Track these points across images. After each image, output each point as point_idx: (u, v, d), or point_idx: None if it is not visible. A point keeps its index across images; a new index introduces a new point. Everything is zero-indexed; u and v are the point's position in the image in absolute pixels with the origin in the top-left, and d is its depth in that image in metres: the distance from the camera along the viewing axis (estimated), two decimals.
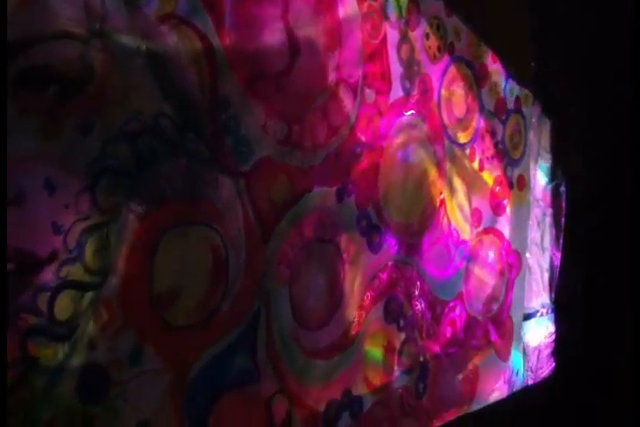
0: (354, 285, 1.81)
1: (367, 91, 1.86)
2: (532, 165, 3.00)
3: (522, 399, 2.73)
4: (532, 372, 2.86)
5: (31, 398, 1.07)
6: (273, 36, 1.53)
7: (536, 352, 2.93)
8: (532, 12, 3.00)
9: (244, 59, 1.46)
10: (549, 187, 3.22)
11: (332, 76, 1.71)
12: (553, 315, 3.11)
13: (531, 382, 2.82)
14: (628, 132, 3.13)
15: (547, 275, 3.10)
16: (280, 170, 1.56)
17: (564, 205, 3.25)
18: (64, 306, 1.11)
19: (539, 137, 3.11)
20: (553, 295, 3.13)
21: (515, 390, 2.67)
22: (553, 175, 3.25)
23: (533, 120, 3.02)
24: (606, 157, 3.25)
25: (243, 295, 1.45)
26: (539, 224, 3.05)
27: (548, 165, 3.21)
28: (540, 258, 3.06)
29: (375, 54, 1.89)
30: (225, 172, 1.43)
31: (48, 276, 1.09)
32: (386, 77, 1.95)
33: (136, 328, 1.23)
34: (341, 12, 1.74)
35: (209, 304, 1.38)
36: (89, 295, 1.16)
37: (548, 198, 3.22)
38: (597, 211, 3.21)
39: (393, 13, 1.98)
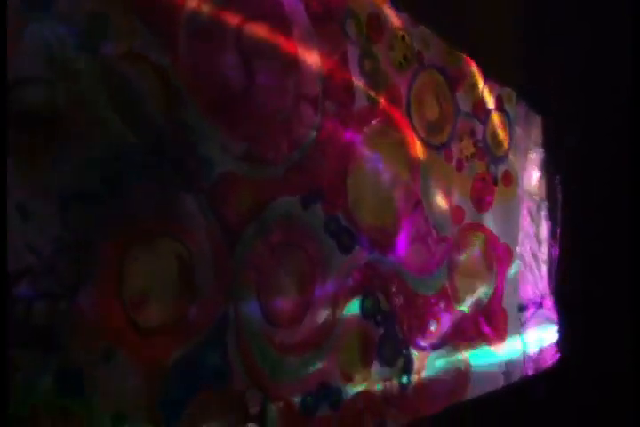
0: (325, 285, 1.99)
1: (328, 103, 2.05)
2: (521, 160, 3.14)
3: (524, 390, 2.86)
4: (533, 362, 2.99)
5: (13, 396, 1.28)
6: (227, 64, 1.73)
7: (537, 343, 3.06)
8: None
9: (199, 87, 1.65)
10: (543, 180, 3.35)
11: (290, 94, 1.90)
12: (554, 306, 3.23)
13: (531, 372, 2.95)
14: (625, 125, 3.24)
15: (545, 267, 3.22)
16: (242, 183, 1.75)
17: (559, 197, 3.37)
18: (39, 313, 1.32)
19: (528, 132, 3.25)
20: (553, 286, 3.25)
21: (513, 380, 2.81)
22: (547, 168, 3.37)
23: (520, 116, 3.16)
24: (603, 148, 3.36)
25: (211, 299, 1.65)
26: (532, 217, 3.18)
27: (540, 158, 3.34)
28: (537, 250, 3.19)
29: (335, 70, 2.07)
30: (187, 189, 1.63)
31: (23, 288, 1.30)
32: (348, 90, 2.13)
33: (108, 331, 1.43)
34: (297, 34, 1.93)
35: (178, 308, 1.58)
36: (62, 304, 1.37)
37: (543, 191, 3.35)
38: (594, 203, 3.33)
39: (352, 31, 2.16)
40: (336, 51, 2.08)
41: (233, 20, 1.73)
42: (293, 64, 1.91)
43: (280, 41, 1.86)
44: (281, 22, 1.86)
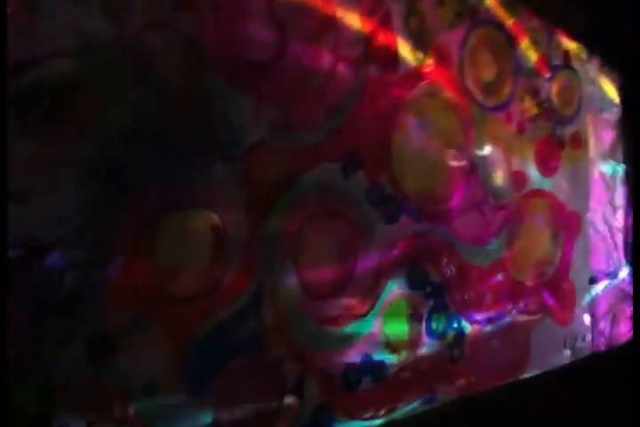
0: (368, 256, 1.98)
1: (372, 67, 2.01)
2: (593, 121, 3.00)
3: (595, 364, 2.78)
4: (604, 337, 2.90)
5: (45, 365, 1.34)
6: (257, 28, 1.71)
7: (609, 317, 2.95)
8: None
9: (227, 53, 1.65)
10: (621, 142, 3.20)
11: (327, 58, 1.87)
12: (630, 278, 3.11)
13: (603, 347, 2.86)
14: None
15: (620, 236, 3.10)
16: (276, 152, 1.75)
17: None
18: (70, 283, 1.37)
19: (603, 90, 3.09)
20: (629, 257, 3.12)
21: (582, 355, 2.73)
22: (625, 129, 3.21)
23: (593, 73, 3.01)
24: None
25: (244, 269, 1.67)
26: (606, 183, 3.05)
27: (617, 118, 3.18)
28: (611, 218, 3.06)
29: (377, 31, 2.03)
30: (220, 158, 1.64)
31: (56, 258, 1.36)
32: (393, 51, 2.08)
33: (139, 301, 1.48)
34: None
35: (211, 277, 1.60)
36: (95, 273, 1.42)
37: (620, 154, 3.20)
38: None
39: None
40: (378, 9, 2.02)
41: None
42: (330, 25, 1.87)
43: (315, 1, 1.82)
44: None
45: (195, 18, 1.59)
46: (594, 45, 3.02)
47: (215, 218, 1.62)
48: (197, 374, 1.57)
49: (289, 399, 1.77)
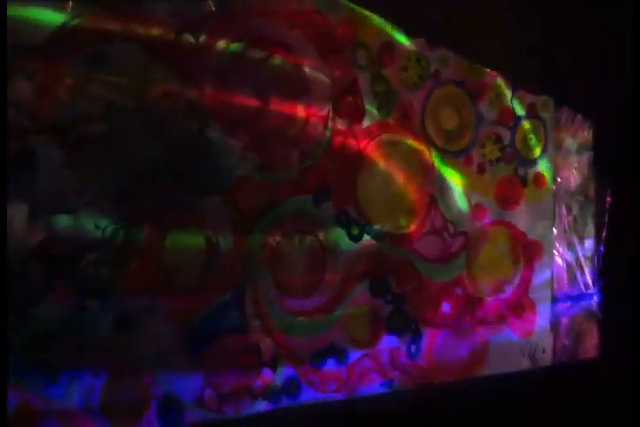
0: (335, 266, 2.81)
1: (339, 120, 2.88)
2: (563, 163, 3.79)
3: (555, 376, 3.51)
4: (567, 352, 3.63)
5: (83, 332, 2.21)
6: (246, 95, 2.61)
7: (572, 334, 3.69)
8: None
9: (221, 112, 2.54)
10: (592, 181, 3.97)
11: (300, 115, 2.75)
12: (598, 299, 3.84)
13: (565, 360, 3.59)
14: None
15: (589, 263, 3.84)
16: (257, 185, 2.61)
17: (608, 197, 3.97)
18: (102, 275, 2.25)
19: (574, 136, 3.89)
20: (596, 281, 3.86)
21: (541, 366, 3.47)
22: (596, 170, 3.99)
23: (565, 121, 3.82)
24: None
25: (231, 271, 2.53)
26: (575, 217, 3.82)
27: (589, 161, 3.96)
28: (579, 247, 3.82)
29: (345, 92, 2.90)
30: (214, 190, 2.53)
31: (92, 254, 2.24)
32: (359, 108, 2.95)
33: (151, 290, 2.35)
34: (306, 67, 2.78)
35: (205, 277, 2.47)
36: (118, 268, 2.29)
37: (592, 192, 3.97)
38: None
39: (363, 59, 2.98)
40: (346, 77, 2.90)
41: (249, 60, 2.60)
42: (303, 91, 2.75)
43: (291, 74, 2.71)
44: (291, 59, 2.71)
45: (196, 87, 2.48)
46: (562, 95, 3.83)
47: (208, 235, 2.49)
48: (194, 348, 2.42)
49: (265, 371, 2.60)
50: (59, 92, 2.17)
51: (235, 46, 2.55)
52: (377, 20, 2.99)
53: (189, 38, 2.46)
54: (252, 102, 2.60)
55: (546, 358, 3.56)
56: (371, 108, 2.97)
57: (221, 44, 2.52)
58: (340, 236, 2.83)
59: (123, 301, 2.26)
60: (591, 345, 3.81)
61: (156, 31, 2.36)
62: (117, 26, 2.26)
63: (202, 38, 2.47)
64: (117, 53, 2.26)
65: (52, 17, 2.12)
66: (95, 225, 2.22)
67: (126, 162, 2.29)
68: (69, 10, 2.19)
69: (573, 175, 3.85)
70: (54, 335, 2.07)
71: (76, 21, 2.18)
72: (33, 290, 2.05)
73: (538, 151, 3.65)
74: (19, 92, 2.09)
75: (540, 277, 3.56)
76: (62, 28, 2.15)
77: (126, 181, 2.29)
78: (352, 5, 2.89)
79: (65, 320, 2.11)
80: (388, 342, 2.93)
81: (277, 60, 2.67)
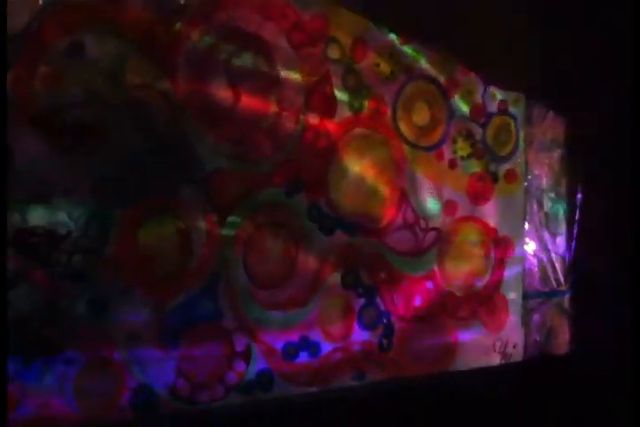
0: (307, 258, 2.86)
1: (311, 114, 2.93)
2: (535, 159, 3.87)
3: (526, 370, 3.59)
4: (538, 347, 3.71)
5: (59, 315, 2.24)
6: (217, 85, 2.65)
7: (544, 330, 3.77)
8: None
9: (196, 104, 2.59)
10: (563, 178, 4.06)
11: (272, 108, 2.80)
12: (567, 296, 3.93)
13: (535, 355, 3.67)
14: None
15: (559, 258, 3.93)
16: (231, 176, 2.65)
17: (579, 194, 4.07)
18: (78, 261, 2.28)
19: (546, 132, 3.98)
20: (568, 278, 3.95)
21: (511, 360, 3.54)
22: (567, 167, 4.08)
23: (537, 117, 3.91)
24: (624, 146, 4.03)
25: (204, 261, 2.56)
26: (546, 213, 3.90)
27: (560, 157, 4.06)
28: (550, 244, 3.90)
29: (317, 87, 2.96)
30: (188, 180, 2.56)
31: (67, 245, 2.27)
32: (331, 102, 3.01)
33: (128, 276, 2.38)
34: (278, 60, 2.83)
35: (179, 264, 2.50)
36: (93, 256, 2.32)
37: (563, 190, 4.06)
38: (615, 201, 3.99)
39: (335, 54, 3.04)
40: (317, 71, 2.95)
41: (222, 52, 2.65)
42: (275, 84, 2.80)
43: (262, 66, 2.76)
44: (264, 52, 2.76)
45: (172, 79, 2.53)
46: (535, 93, 3.92)
47: (182, 223, 2.53)
48: (169, 333, 2.46)
49: (238, 362, 2.64)
50: (36, 82, 2.20)
51: (208, 38, 2.59)
52: (350, 15, 3.04)
53: (163, 29, 2.49)
54: (226, 94, 2.63)
55: (517, 354, 3.62)
56: (343, 103, 3.01)
57: (195, 35, 2.56)
58: (311, 228, 2.86)
59: (97, 288, 2.28)
60: (563, 341, 3.89)
61: (131, 22, 2.40)
62: (92, 16, 2.29)
63: (175, 29, 2.49)
64: (93, 43, 2.30)
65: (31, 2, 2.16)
66: (69, 215, 2.24)
67: (102, 151, 2.32)
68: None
69: (545, 172, 3.93)
70: (29, 321, 2.10)
71: (51, 11, 2.21)
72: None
73: (509, 148, 3.73)
74: None
75: (511, 272, 3.63)
76: (37, 19, 2.19)
77: (102, 170, 2.31)
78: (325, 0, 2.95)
79: (40, 306, 2.13)
80: (359, 336, 2.98)
81: (250, 52, 2.70)
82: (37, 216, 2.19)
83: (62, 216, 2.27)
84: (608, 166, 4.06)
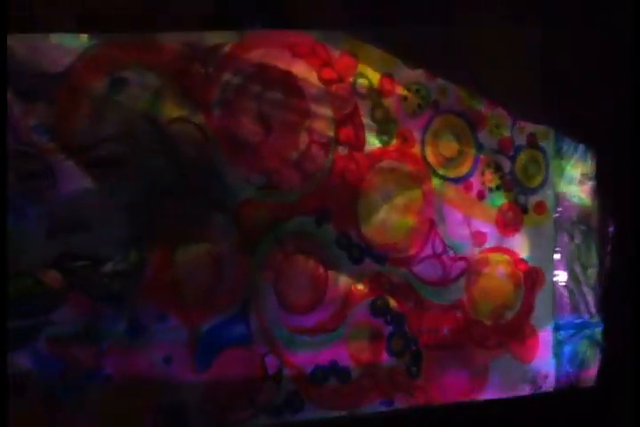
0: (336, 286, 3.01)
1: (340, 147, 3.11)
2: (565, 191, 3.98)
3: (556, 402, 3.65)
4: (569, 379, 3.77)
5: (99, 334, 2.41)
6: (250, 120, 2.86)
7: (576, 362, 3.83)
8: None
9: (228, 136, 2.79)
10: (595, 211, 4.15)
11: (303, 140, 2.99)
12: (601, 328, 3.99)
13: (567, 386, 3.73)
14: None
15: (590, 291, 4.00)
16: (261, 206, 2.84)
17: (610, 225, 4.15)
18: (118, 284, 2.47)
19: (576, 165, 4.09)
20: (601, 310, 4.01)
21: (541, 391, 3.62)
22: (598, 198, 4.17)
23: (567, 150, 4.03)
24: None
25: (235, 287, 2.73)
26: (577, 244, 4.00)
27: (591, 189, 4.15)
28: (581, 276, 3.98)
29: (346, 120, 3.14)
30: (219, 210, 2.75)
31: (108, 266, 2.46)
32: (360, 136, 3.19)
33: (162, 300, 2.56)
34: (308, 96, 3.03)
35: (210, 290, 2.68)
36: (131, 279, 2.51)
37: (594, 222, 4.15)
38: None
39: (363, 89, 3.23)
40: (346, 105, 3.14)
41: (254, 89, 2.86)
42: (306, 117, 2.99)
43: (293, 102, 2.96)
44: (294, 88, 2.96)
45: (205, 113, 2.73)
46: (564, 127, 4.04)
47: (214, 251, 2.71)
48: (202, 356, 2.62)
49: (268, 384, 2.78)
50: (79, 116, 2.42)
51: (241, 75, 2.79)
52: (377, 51, 3.23)
53: (199, 67, 2.71)
54: (257, 128, 2.83)
55: (548, 385, 3.69)
56: (371, 136, 3.18)
57: (229, 72, 2.76)
58: (340, 257, 3.02)
59: (134, 311, 2.46)
60: (593, 373, 3.94)
61: (168, 60, 2.62)
62: (132, 54, 2.52)
63: (211, 67, 2.71)
64: (133, 80, 2.52)
65: (74, 43, 2.39)
66: (110, 240, 2.44)
67: (138, 182, 2.52)
68: (87, 40, 2.46)
69: (575, 204, 4.03)
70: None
71: (93, 51, 2.44)
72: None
73: (538, 180, 3.85)
74: (42, 116, 2.35)
75: (542, 303, 3.72)
76: (81, 57, 2.42)
77: (139, 200, 2.51)
78: (352, 38, 3.14)
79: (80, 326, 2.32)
80: (388, 362, 3.10)
81: (282, 87, 2.90)
82: (79, 242, 2.38)
83: (102, 242, 2.46)
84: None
